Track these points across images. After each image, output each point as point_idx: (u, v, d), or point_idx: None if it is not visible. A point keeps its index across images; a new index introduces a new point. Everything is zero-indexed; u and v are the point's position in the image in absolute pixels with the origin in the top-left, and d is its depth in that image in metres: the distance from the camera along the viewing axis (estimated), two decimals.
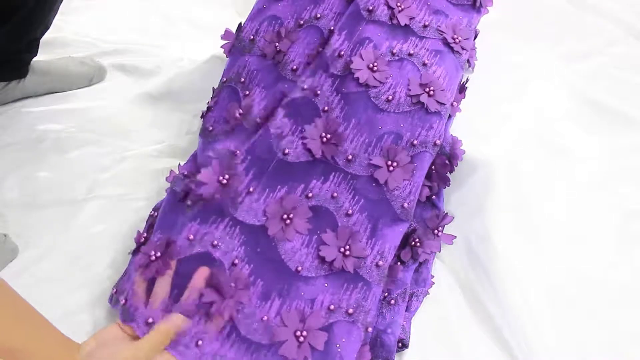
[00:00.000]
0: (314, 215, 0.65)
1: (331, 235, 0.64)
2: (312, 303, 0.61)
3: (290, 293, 0.62)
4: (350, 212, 0.66)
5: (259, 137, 0.69)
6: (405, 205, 0.67)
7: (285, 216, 0.64)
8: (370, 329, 0.62)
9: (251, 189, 0.66)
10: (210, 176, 0.66)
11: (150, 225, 0.71)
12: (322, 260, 0.63)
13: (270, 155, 0.68)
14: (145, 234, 0.70)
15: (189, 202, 0.66)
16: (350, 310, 0.62)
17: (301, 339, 0.59)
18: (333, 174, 0.67)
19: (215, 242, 0.63)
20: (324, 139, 0.67)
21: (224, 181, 0.65)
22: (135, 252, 0.69)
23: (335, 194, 0.66)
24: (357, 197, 0.67)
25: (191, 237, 0.63)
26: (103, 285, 0.72)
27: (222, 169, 0.66)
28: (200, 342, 0.57)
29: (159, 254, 0.61)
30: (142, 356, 0.52)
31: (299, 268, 0.63)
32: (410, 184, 0.67)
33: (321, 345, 0.59)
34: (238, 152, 0.69)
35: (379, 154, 0.67)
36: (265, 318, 0.60)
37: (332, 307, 0.61)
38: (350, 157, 0.67)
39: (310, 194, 0.65)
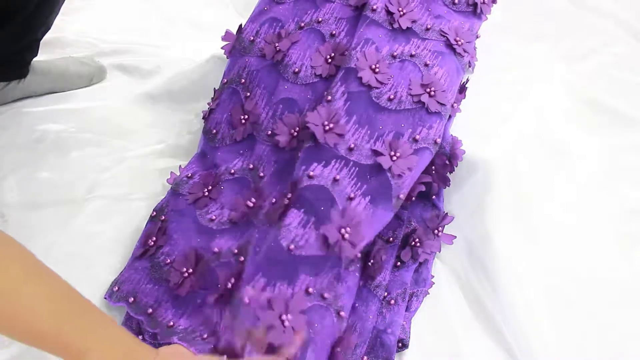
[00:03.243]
0: (313, 195, 0.63)
1: (337, 213, 0.62)
2: (294, 284, 0.60)
3: (276, 273, 0.60)
4: (352, 195, 0.64)
5: (283, 157, 0.71)
6: (401, 196, 0.65)
7: (289, 195, 0.64)
8: (342, 314, 0.61)
9: (274, 200, 0.68)
10: (239, 203, 0.70)
11: (159, 230, 0.71)
12: (316, 239, 0.61)
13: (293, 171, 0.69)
14: (154, 238, 0.70)
15: (212, 217, 0.71)
16: (326, 295, 0.60)
17: (286, 323, 0.57)
18: (335, 160, 0.65)
19: (236, 251, 0.66)
20: (326, 127, 0.66)
21: (251, 204, 0.69)
22: (141, 256, 0.70)
23: (337, 177, 0.64)
24: (359, 183, 0.65)
25: (216, 250, 0.67)
26: (103, 285, 0.72)
27: (250, 194, 0.70)
28: (205, 335, 0.59)
29: (190, 270, 0.65)
30: None
31: (292, 247, 0.60)
32: (411, 176, 0.66)
33: (303, 328, 0.57)
34: (262, 174, 0.72)
35: (382, 146, 0.67)
36: (247, 300, 0.58)
37: (310, 289, 0.60)
38: (352, 146, 0.66)
39: (311, 173, 0.64)
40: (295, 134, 0.71)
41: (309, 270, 0.61)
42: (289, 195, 0.64)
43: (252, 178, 0.73)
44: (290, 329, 0.57)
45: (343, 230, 0.61)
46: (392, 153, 0.66)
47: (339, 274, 0.62)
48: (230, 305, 0.59)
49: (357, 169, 0.65)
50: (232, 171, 0.75)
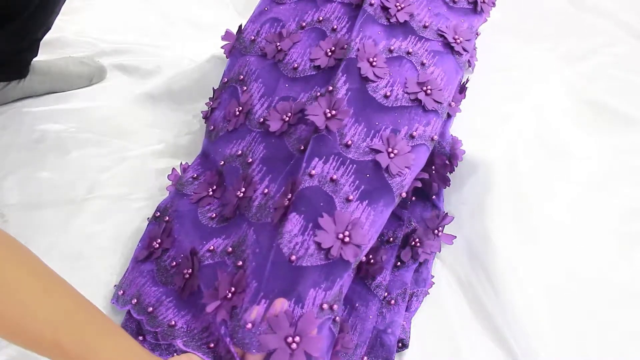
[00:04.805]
0: (312, 198, 0.61)
1: (328, 220, 0.59)
2: (303, 302, 0.55)
3: (280, 291, 0.56)
4: (350, 197, 0.61)
5: (273, 143, 0.70)
6: (403, 194, 0.64)
7: (289, 196, 0.62)
8: (337, 319, 0.58)
9: (266, 191, 0.67)
10: (229, 195, 0.69)
11: (164, 231, 0.71)
12: (318, 248, 0.58)
13: (287, 157, 0.68)
14: (159, 240, 0.70)
15: (213, 215, 0.70)
16: (335, 306, 0.56)
17: (293, 345, 0.52)
18: (333, 156, 0.63)
19: (230, 250, 0.64)
20: (328, 115, 0.66)
21: (240, 194, 0.68)
22: (145, 259, 0.70)
23: (334, 177, 0.62)
24: (357, 182, 0.62)
25: (212, 248, 0.66)
26: (103, 286, 0.72)
27: (240, 184, 0.69)
28: (212, 345, 0.58)
29: (190, 271, 0.64)
30: None
31: (293, 257, 0.57)
32: (410, 173, 0.65)
33: (318, 351, 0.52)
34: (250, 159, 0.70)
35: (379, 142, 0.65)
36: (250, 326, 0.54)
37: (324, 305, 0.55)
38: (349, 142, 0.64)
39: (312, 172, 0.62)
40: (287, 119, 0.70)
41: (323, 282, 0.56)
42: (289, 196, 0.62)
43: (240, 165, 0.72)
44: (302, 352, 0.52)
45: (342, 235, 0.58)
46: (390, 150, 0.65)
47: (346, 279, 0.60)
48: (231, 322, 0.57)
49: (354, 166, 0.63)
50: (222, 162, 0.74)
